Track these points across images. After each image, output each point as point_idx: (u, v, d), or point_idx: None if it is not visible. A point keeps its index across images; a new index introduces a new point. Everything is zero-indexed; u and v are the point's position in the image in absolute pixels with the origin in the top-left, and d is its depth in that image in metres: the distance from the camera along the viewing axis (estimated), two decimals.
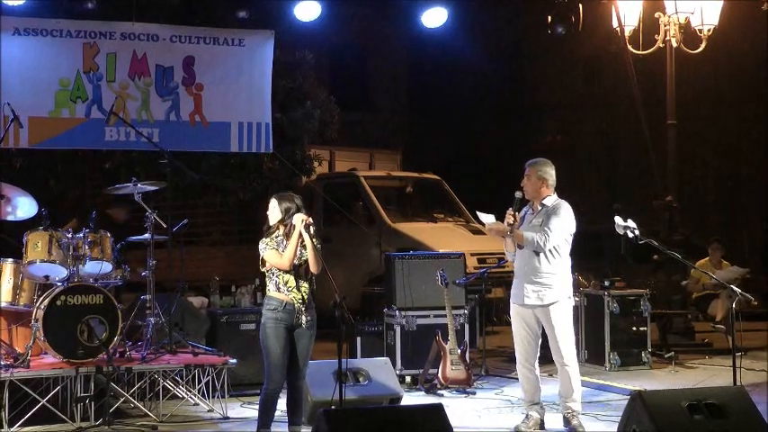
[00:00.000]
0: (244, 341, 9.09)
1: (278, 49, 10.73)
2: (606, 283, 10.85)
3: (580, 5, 11.81)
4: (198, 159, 12.32)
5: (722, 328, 11.27)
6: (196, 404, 8.39)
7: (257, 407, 6.99)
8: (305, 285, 6.81)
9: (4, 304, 8.22)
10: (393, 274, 9.84)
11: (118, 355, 8.17)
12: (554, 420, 7.68)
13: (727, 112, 21.58)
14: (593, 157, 24.06)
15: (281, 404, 7.01)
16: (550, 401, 7.92)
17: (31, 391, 7.70)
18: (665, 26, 13.03)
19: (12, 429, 7.53)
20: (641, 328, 10.67)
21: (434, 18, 11.07)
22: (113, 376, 7.76)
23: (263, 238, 6.85)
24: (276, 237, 6.84)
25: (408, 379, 9.59)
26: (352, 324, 9.23)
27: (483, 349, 10.49)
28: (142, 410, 8.03)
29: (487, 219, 7.53)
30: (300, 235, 6.72)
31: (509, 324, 7.97)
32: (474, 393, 9.20)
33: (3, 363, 7.82)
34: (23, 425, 7.58)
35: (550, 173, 7.54)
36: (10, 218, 8.63)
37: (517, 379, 7.80)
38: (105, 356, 7.78)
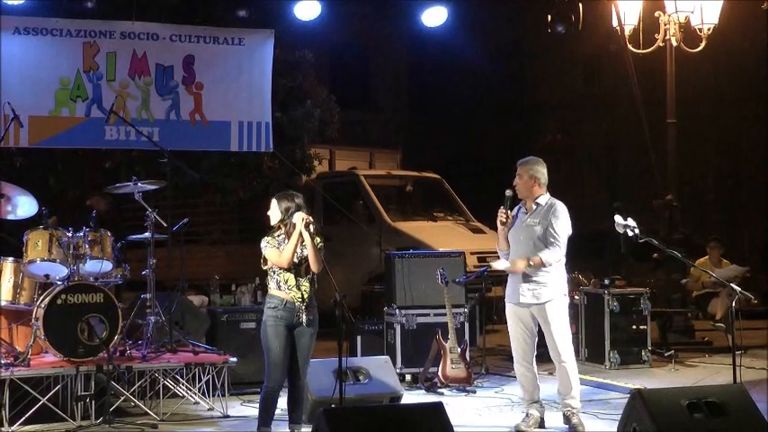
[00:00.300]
0: (244, 340, 9.08)
1: (278, 48, 10.74)
2: (606, 282, 10.84)
3: (580, 4, 11.80)
4: (198, 158, 12.32)
5: (722, 327, 11.26)
6: (196, 403, 8.40)
7: (257, 405, 7.00)
8: (305, 284, 6.82)
9: (4, 303, 8.22)
10: (393, 272, 9.85)
11: (118, 353, 8.17)
12: (554, 419, 7.68)
13: (727, 111, 21.57)
14: (593, 157, 24.05)
15: (282, 403, 7.03)
16: (550, 400, 7.93)
17: (31, 390, 7.69)
18: (665, 25, 13.01)
19: (12, 428, 7.53)
20: (641, 327, 10.67)
21: (434, 17, 11.08)
22: (114, 375, 7.76)
23: (266, 237, 6.87)
24: (278, 236, 6.86)
25: (408, 377, 9.59)
26: (353, 323, 9.21)
27: (483, 348, 10.49)
28: (142, 409, 8.03)
29: (502, 264, 7.55)
30: (300, 234, 6.74)
31: None
32: (474, 392, 9.20)
33: (3, 361, 7.82)
34: (24, 423, 7.58)
35: (542, 172, 7.53)
36: (10, 217, 8.61)
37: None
38: (106, 355, 7.78)
